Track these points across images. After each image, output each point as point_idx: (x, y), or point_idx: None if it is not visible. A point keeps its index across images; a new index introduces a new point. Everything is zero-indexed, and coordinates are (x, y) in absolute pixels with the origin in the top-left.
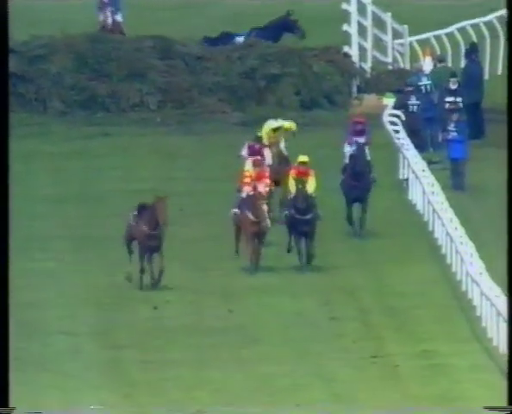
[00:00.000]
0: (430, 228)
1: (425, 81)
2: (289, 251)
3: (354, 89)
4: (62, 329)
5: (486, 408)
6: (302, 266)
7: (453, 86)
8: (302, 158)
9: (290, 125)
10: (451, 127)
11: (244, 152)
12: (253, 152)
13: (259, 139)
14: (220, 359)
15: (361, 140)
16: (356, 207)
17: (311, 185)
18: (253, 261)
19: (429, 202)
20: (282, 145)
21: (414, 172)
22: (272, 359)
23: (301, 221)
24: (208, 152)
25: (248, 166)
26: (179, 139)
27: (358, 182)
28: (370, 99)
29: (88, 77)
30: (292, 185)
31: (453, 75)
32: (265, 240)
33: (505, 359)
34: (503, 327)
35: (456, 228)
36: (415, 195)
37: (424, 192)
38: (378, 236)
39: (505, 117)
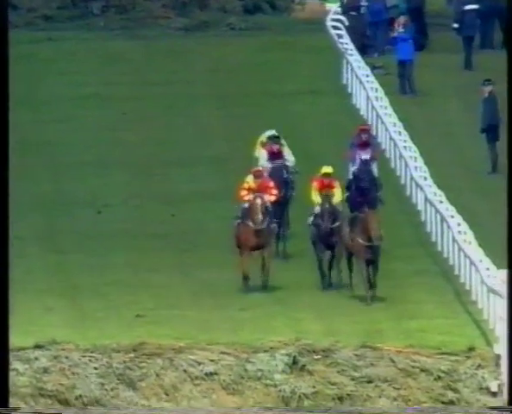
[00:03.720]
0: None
1: None
2: (322, 270)
3: None
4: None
5: (490, 408)
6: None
7: None
8: (326, 169)
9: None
10: (399, 29)
11: (260, 153)
12: (272, 154)
13: (276, 138)
14: (162, 263)
15: (366, 155)
16: None
17: (337, 196)
18: (262, 277)
19: (373, 107)
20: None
21: (357, 77)
22: (215, 264)
23: (329, 230)
24: (151, 57)
25: (249, 178)
26: (123, 44)
27: (364, 199)
28: (313, 4)
29: None
30: (316, 196)
31: None
32: (271, 250)
33: (450, 263)
34: (447, 233)
35: (400, 133)
36: (358, 100)
37: (368, 97)
38: (323, 140)
39: (448, 22)
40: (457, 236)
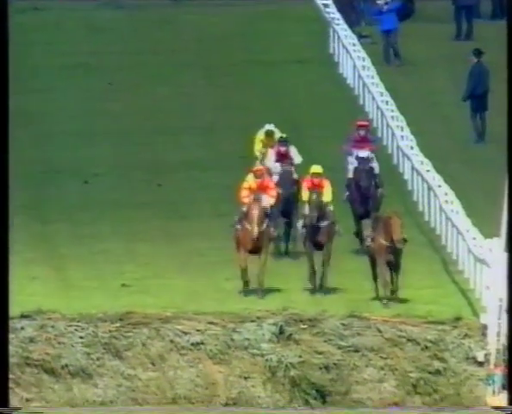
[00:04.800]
0: (361, 102)
1: None
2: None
3: None
4: None
5: (493, 408)
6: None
7: None
8: (316, 168)
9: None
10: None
11: (268, 154)
12: (280, 155)
13: (283, 139)
14: (149, 233)
15: (364, 152)
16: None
17: (327, 195)
18: (259, 281)
19: (360, 76)
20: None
21: (344, 46)
22: (202, 234)
23: (315, 228)
24: (138, 26)
25: (249, 177)
26: (109, 13)
27: (365, 197)
28: None
29: None
30: (306, 196)
31: None
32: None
33: (437, 232)
34: (434, 202)
35: (387, 103)
36: (345, 69)
37: (355, 66)
38: (307, 113)
39: None
40: (444, 206)
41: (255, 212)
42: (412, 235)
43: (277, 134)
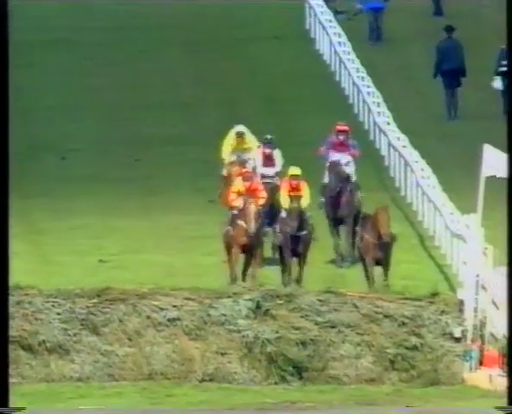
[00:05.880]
0: (337, 78)
1: None
2: (283, 271)
3: None
4: None
5: (497, 408)
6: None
7: None
8: (294, 170)
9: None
10: None
11: (259, 165)
12: (266, 159)
13: (268, 140)
14: (126, 208)
15: (342, 157)
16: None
17: (305, 200)
18: (250, 279)
19: (336, 52)
20: (250, 155)
21: (320, 22)
22: (179, 209)
23: (294, 238)
24: (118, 2)
25: (237, 181)
26: None
27: (338, 203)
28: None
29: None
30: (285, 200)
31: None
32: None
33: (413, 208)
34: (411, 177)
35: (363, 78)
36: (321, 45)
37: (331, 42)
38: (285, 89)
39: None
40: (420, 181)
41: (252, 208)
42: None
43: (248, 136)
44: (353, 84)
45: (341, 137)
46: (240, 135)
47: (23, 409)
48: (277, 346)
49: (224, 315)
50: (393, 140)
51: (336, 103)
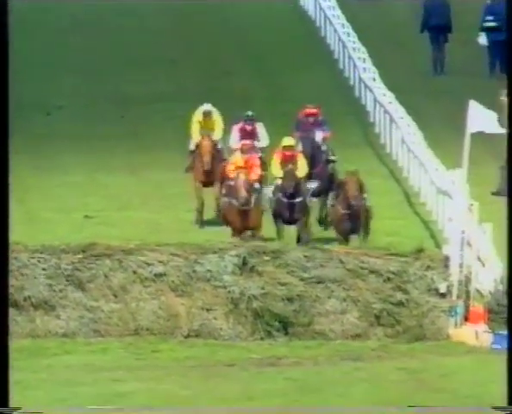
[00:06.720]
0: (322, 34)
1: None
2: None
3: None
4: None
5: (494, 408)
6: None
7: None
8: (287, 141)
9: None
10: None
11: (233, 139)
12: (246, 134)
13: (249, 118)
14: (112, 165)
15: (317, 135)
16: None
17: (301, 170)
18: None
19: (321, 8)
20: (216, 136)
21: None
22: (165, 165)
23: (290, 205)
24: None
25: (236, 154)
26: None
27: (313, 175)
28: None
29: None
30: (277, 169)
31: None
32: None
33: (399, 165)
34: (397, 133)
35: (348, 34)
36: (306, 1)
37: None
38: (271, 46)
39: None
40: (406, 137)
41: (241, 177)
42: (374, 166)
43: (216, 115)
44: (339, 39)
45: (311, 120)
46: (207, 114)
47: (19, 408)
48: (263, 301)
49: (210, 271)
50: (379, 96)
51: (321, 58)
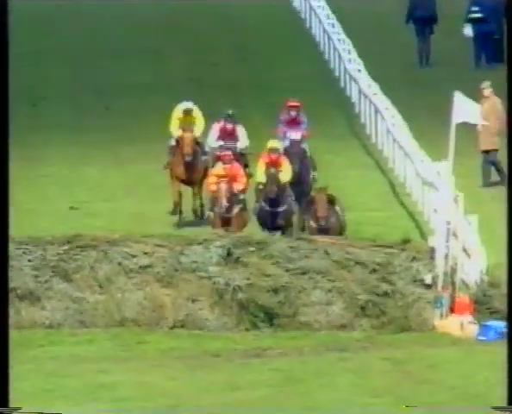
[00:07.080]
0: (307, 25)
1: None
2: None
3: None
4: None
5: (496, 408)
6: None
7: None
8: (273, 143)
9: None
10: None
11: (211, 138)
12: (225, 134)
13: (230, 117)
14: (97, 156)
15: (295, 134)
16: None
17: (285, 174)
18: None
19: None
20: (197, 132)
21: None
22: (150, 156)
23: (273, 213)
24: None
25: (217, 165)
26: None
27: (298, 182)
28: None
29: None
30: (261, 175)
31: None
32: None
33: (384, 155)
34: (382, 124)
35: (333, 25)
36: None
37: None
38: (257, 37)
39: None
40: (391, 128)
41: (222, 186)
42: (359, 157)
43: (196, 112)
44: (324, 31)
45: (293, 113)
46: (187, 112)
47: (19, 408)
48: (249, 293)
49: (195, 262)
50: (364, 87)
51: (307, 49)
